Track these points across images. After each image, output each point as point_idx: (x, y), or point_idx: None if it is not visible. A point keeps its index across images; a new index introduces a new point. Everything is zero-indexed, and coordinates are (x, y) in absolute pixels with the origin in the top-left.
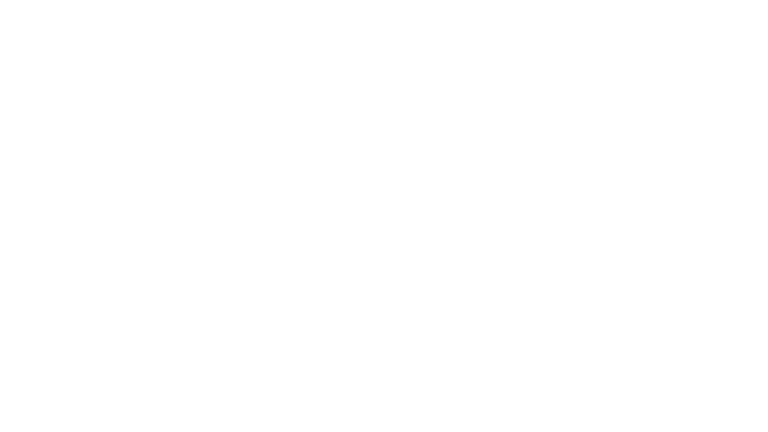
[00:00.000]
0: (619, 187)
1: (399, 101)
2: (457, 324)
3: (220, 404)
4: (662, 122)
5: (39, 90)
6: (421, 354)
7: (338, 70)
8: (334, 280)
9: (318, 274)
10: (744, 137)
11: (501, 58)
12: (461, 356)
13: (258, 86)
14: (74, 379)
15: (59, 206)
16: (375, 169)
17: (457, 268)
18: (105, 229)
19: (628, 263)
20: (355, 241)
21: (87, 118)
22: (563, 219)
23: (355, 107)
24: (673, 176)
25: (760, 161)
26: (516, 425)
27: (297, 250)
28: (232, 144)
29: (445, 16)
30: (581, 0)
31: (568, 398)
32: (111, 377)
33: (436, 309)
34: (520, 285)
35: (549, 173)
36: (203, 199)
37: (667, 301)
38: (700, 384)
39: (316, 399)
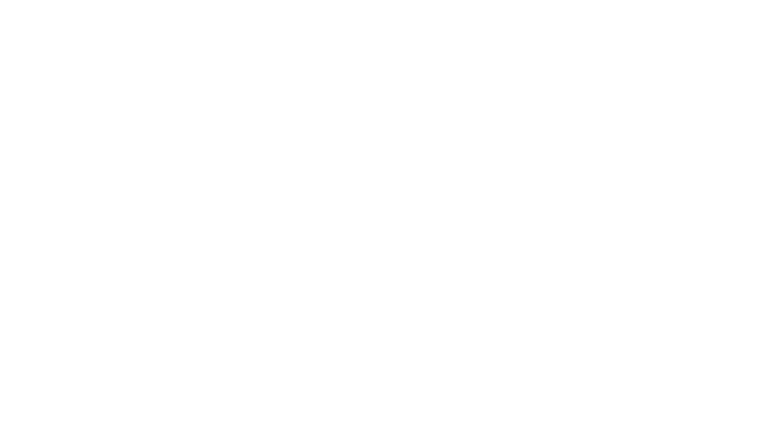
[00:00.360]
0: (619, 188)
1: (399, 101)
2: (457, 324)
3: (220, 404)
4: (662, 122)
5: (39, 90)
6: (420, 354)
7: (338, 70)
8: (334, 280)
9: (318, 273)
10: (744, 137)
11: (501, 58)
12: (461, 356)
13: (258, 86)
14: (74, 379)
15: (59, 206)
16: (375, 169)
17: (457, 268)
18: (105, 229)
19: (628, 263)
20: (355, 241)
21: (87, 118)
22: (563, 219)
23: (355, 107)
24: (673, 176)
25: (760, 161)
26: (516, 425)
27: (297, 249)
28: (232, 144)
29: (445, 16)
30: (581, 0)
31: (568, 398)
32: (111, 377)
33: (436, 309)
34: (520, 285)
35: (549, 173)
36: (203, 199)
37: (667, 301)
38: (700, 384)
39: (316, 399)
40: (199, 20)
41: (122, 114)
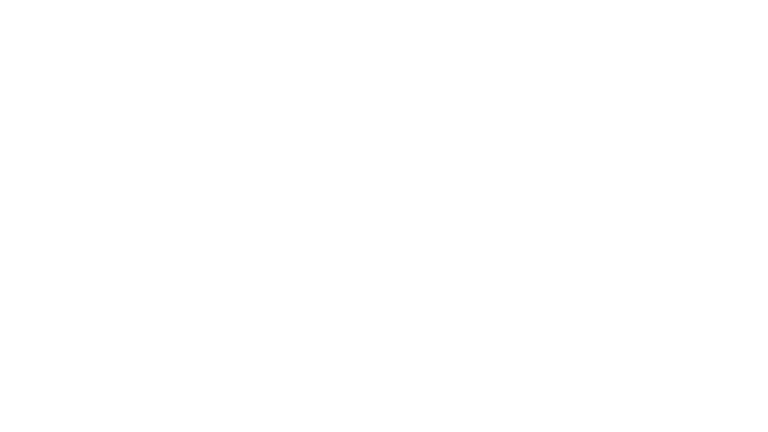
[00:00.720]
0: (619, 188)
1: (399, 101)
2: (457, 324)
3: (220, 404)
4: (662, 122)
5: (39, 90)
6: (420, 354)
7: (338, 70)
8: (334, 280)
9: (318, 274)
10: (744, 137)
11: (501, 58)
12: (461, 356)
13: (258, 86)
14: (74, 379)
15: (59, 206)
16: (375, 169)
17: (458, 268)
18: (105, 229)
19: (628, 263)
20: (355, 241)
21: (87, 118)
22: (563, 219)
23: (355, 107)
24: (673, 176)
25: (760, 161)
26: (516, 425)
27: (297, 250)
28: (232, 144)
29: (445, 16)
30: (581, 0)
31: (568, 398)
32: (111, 377)
33: (436, 309)
34: (520, 285)
35: (549, 173)
36: (203, 199)
37: (666, 302)
38: (700, 384)
39: (316, 399)
40: (199, 20)
41: (122, 114)
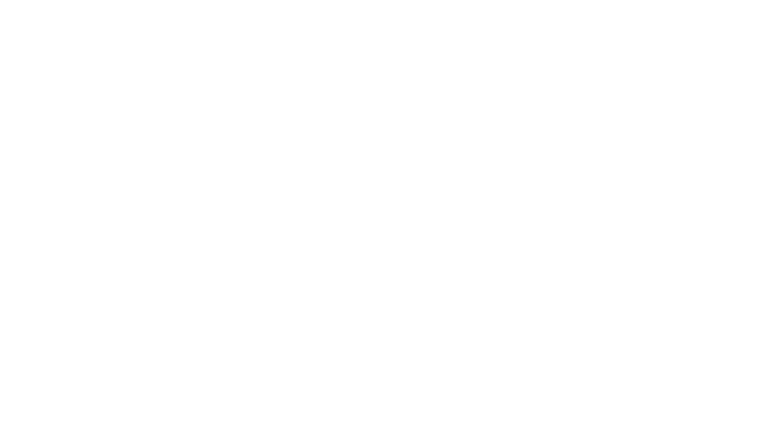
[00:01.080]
0: (619, 188)
1: (399, 101)
2: (457, 324)
3: (220, 404)
4: (662, 122)
5: (39, 90)
6: (420, 354)
7: (338, 70)
8: (334, 280)
9: (318, 274)
10: (744, 137)
11: (501, 58)
12: (461, 356)
13: (258, 86)
14: (74, 379)
15: (59, 206)
16: (375, 169)
17: (458, 269)
18: (105, 229)
19: (628, 263)
20: (355, 241)
21: (87, 118)
22: (563, 219)
23: (355, 107)
24: (673, 176)
25: (760, 161)
26: (516, 425)
27: (297, 250)
28: (232, 144)
29: (445, 16)
30: (581, 0)
31: (568, 398)
32: (111, 377)
33: (436, 309)
34: (520, 285)
35: (549, 173)
36: (203, 199)
37: (666, 302)
38: (700, 384)
39: (316, 399)
40: (200, 20)
41: (122, 114)
